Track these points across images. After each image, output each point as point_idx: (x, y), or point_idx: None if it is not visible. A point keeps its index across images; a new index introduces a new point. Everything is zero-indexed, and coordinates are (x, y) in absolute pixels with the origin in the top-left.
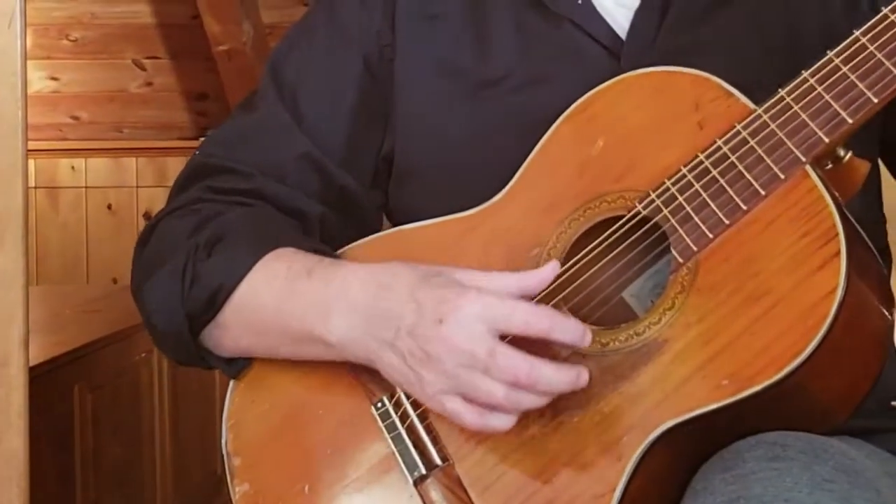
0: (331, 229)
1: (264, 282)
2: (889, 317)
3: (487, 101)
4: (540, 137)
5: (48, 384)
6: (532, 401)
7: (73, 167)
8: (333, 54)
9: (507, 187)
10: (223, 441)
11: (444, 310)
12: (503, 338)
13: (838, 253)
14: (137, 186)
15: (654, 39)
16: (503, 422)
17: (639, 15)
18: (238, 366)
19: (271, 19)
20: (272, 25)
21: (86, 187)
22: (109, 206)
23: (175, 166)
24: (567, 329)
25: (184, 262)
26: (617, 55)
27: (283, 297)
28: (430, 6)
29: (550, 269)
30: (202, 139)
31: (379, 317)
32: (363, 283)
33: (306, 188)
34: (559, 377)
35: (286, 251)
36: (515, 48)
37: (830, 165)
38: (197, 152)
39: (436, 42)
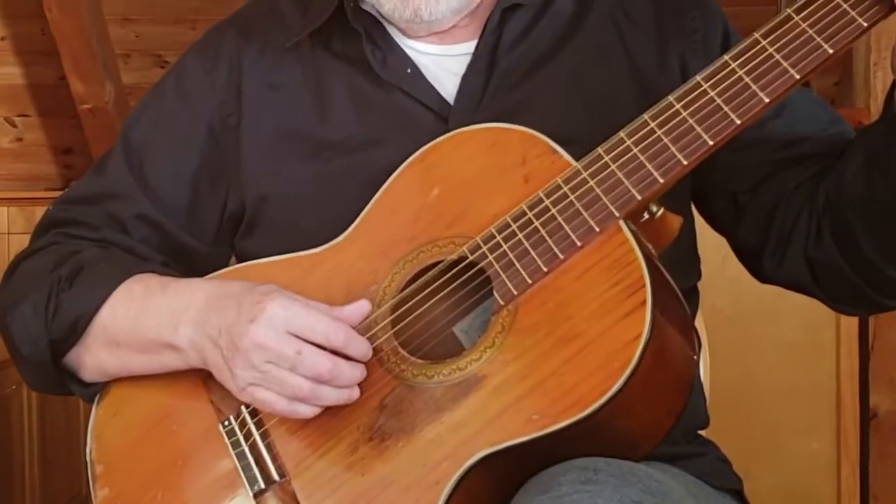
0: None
1: (122, 303)
2: (693, 359)
3: (328, 162)
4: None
5: None
6: (331, 393)
7: None
8: (179, 122)
9: (350, 229)
10: (87, 450)
11: (256, 311)
12: None
13: (644, 302)
14: (9, 233)
15: (480, 102)
16: (309, 410)
17: (465, 80)
18: (94, 390)
19: (131, 80)
20: (132, 86)
21: None
22: None
23: (42, 214)
24: (358, 347)
25: (47, 293)
26: (445, 118)
27: (139, 313)
28: (272, 76)
29: (361, 304)
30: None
31: (210, 321)
32: (208, 294)
33: (147, 243)
34: (354, 373)
35: (143, 275)
36: (352, 113)
37: (645, 218)
38: (51, 207)
39: (278, 109)
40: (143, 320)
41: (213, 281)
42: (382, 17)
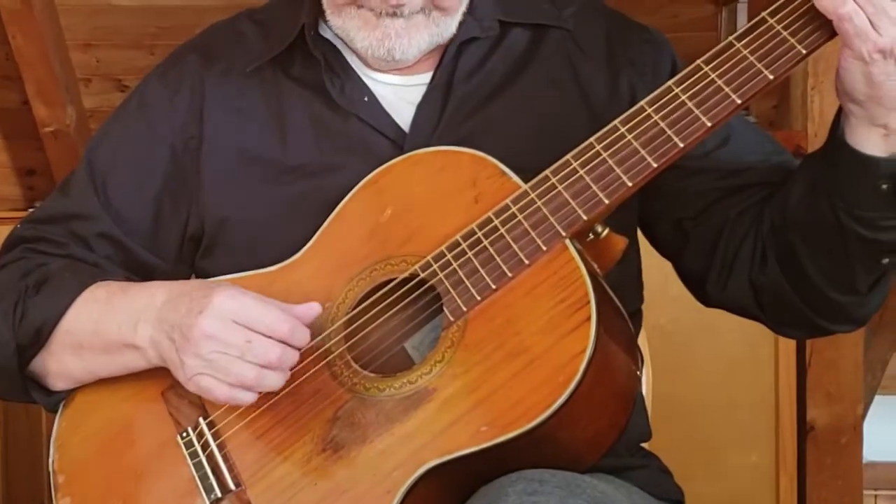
0: None
1: (86, 306)
2: (636, 374)
3: (286, 186)
4: None
5: None
6: (275, 379)
7: None
8: (142, 144)
9: (305, 248)
10: (50, 460)
11: (205, 303)
12: None
13: (589, 318)
14: None
15: (435, 131)
16: (249, 397)
17: (420, 109)
18: (56, 399)
19: (92, 104)
20: (93, 109)
21: None
22: None
23: (7, 234)
24: (302, 337)
25: (15, 300)
26: (400, 146)
27: (101, 315)
28: (233, 101)
29: (312, 306)
30: (31, 210)
31: (167, 317)
32: (165, 294)
33: (111, 260)
34: (295, 358)
35: (105, 282)
36: (310, 139)
37: (591, 238)
38: (18, 226)
39: (240, 133)
40: (105, 321)
41: (172, 282)
42: (346, 46)
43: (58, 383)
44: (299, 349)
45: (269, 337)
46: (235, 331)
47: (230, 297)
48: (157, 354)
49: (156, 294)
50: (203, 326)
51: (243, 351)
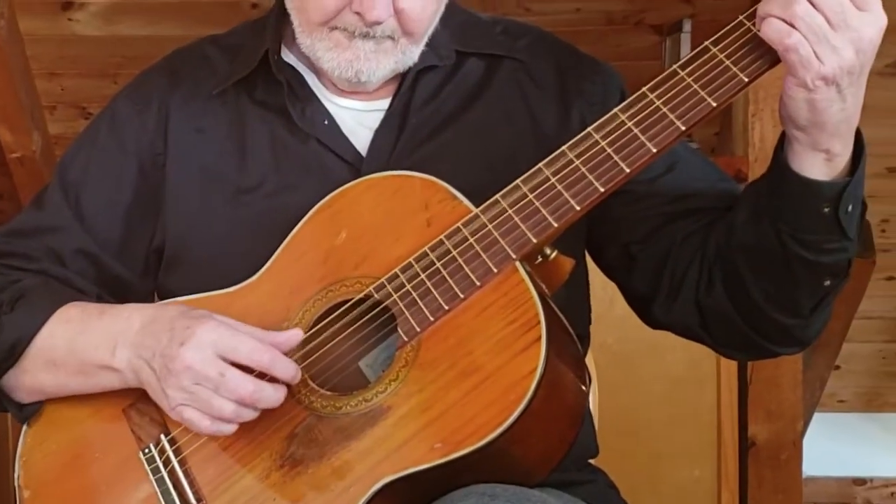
0: None
1: (60, 325)
2: (585, 392)
3: (245, 205)
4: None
5: None
6: (252, 414)
7: None
8: (112, 159)
9: (262, 270)
10: (16, 475)
11: (187, 335)
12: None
13: (539, 339)
14: None
15: (391, 156)
16: (230, 429)
17: (378, 134)
18: (29, 411)
19: (57, 130)
20: (58, 136)
21: None
22: None
23: None
24: (285, 368)
25: None
26: (357, 169)
27: (77, 335)
28: (197, 120)
29: (294, 333)
30: None
31: (145, 343)
32: (143, 319)
33: (84, 275)
34: (279, 395)
35: (79, 302)
36: (270, 159)
37: (540, 260)
38: None
39: (202, 152)
40: (80, 342)
41: (149, 306)
42: (308, 70)
43: (30, 397)
44: (287, 381)
45: (250, 369)
46: (212, 363)
47: (211, 329)
48: (135, 378)
49: (132, 318)
50: (184, 358)
51: (217, 385)
